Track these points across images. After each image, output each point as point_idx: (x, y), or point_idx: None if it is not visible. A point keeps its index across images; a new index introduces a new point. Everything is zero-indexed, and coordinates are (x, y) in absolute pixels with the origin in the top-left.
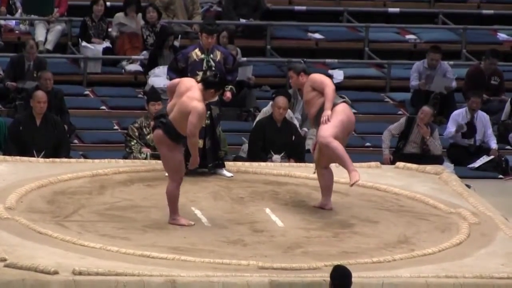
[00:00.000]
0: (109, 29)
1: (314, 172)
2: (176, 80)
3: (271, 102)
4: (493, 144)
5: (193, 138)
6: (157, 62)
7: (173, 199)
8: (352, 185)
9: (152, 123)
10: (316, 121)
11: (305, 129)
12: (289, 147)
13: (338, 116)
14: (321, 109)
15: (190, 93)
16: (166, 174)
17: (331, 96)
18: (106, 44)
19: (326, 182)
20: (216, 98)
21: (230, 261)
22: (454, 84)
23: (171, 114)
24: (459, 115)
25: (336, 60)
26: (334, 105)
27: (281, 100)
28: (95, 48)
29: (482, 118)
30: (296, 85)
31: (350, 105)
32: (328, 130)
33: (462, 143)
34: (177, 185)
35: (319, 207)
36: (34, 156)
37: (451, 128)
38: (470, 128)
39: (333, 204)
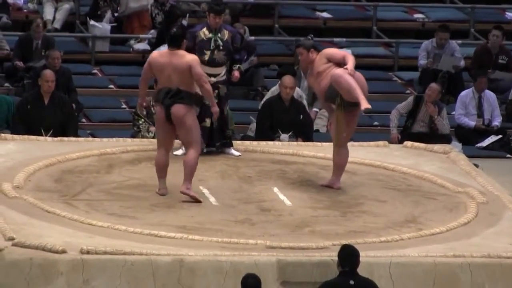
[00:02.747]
0: (118, 8)
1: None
2: (145, 66)
3: (279, 82)
4: (497, 122)
5: (206, 85)
6: (165, 41)
7: (194, 169)
8: (364, 109)
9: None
10: (327, 94)
11: (316, 109)
12: (297, 126)
13: (356, 76)
14: (332, 86)
15: (175, 56)
16: (175, 153)
17: (353, 59)
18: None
19: (340, 161)
20: (223, 77)
21: (237, 240)
22: (462, 63)
23: (174, 85)
24: (466, 96)
25: (344, 39)
26: None
27: (288, 79)
28: (103, 26)
29: (489, 97)
30: (306, 62)
31: None
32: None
33: (470, 125)
34: (198, 156)
35: (327, 186)
36: (42, 135)
37: (461, 111)
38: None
39: (341, 183)
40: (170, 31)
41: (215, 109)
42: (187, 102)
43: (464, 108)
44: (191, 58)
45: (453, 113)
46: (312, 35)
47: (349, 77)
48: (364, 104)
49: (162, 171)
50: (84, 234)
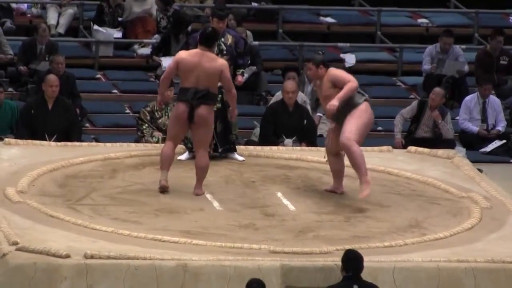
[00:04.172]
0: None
1: (325, 158)
2: (171, 65)
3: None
4: (500, 127)
5: (233, 90)
6: (169, 46)
7: (207, 170)
8: (362, 197)
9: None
10: (336, 118)
11: (320, 114)
12: (300, 131)
13: (363, 118)
14: (341, 108)
15: (206, 57)
16: (179, 158)
17: (349, 90)
18: (118, 33)
19: (337, 167)
20: None
21: (241, 245)
22: (466, 68)
23: (202, 85)
24: (471, 101)
25: (348, 44)
26: (357, 104)
27: (289, 84)
28: (107, 32)
29: (494, 102)
30: (314, 77)
31: (369, 101)
32: (353, 133)
33: (473, 130)
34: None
35: (330, 191)
36: (45, 140)
37: (465, 115)
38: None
39: (344, 188)
40: (204, 30)
41: (236, 112)
42: (211, 104)
43: (468, 113)
44: (222, 62)
45: (457, 118)
46: (323, 51)
47: (357, 150)
48: (364, 190)
49: (167, 162)
50: (88, 239)
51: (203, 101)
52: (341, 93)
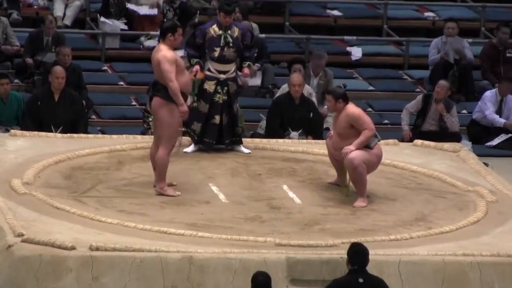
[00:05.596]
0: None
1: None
2: None
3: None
4: None
5: (170, 84)
6: None
7: (164, 167)
8: (355, 205)
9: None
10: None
11: (326, 106)
12: (307, 124)
13: (373, 159)
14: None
15: (157, 49)
16: (184, 150)
17: (366, 138)
18: (125, 25)
19: (339, 163)
20: (233, 74)
21: (247, 237)
22: (469, 54)
23: (156, 77)
24: (490, 96)
25: (354, 37)
26: (369, 147)
27: (296, 77)
28: (114, 23)
29: (510, 101)
30: (332, 110)
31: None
32: (363, 156)
33: (501, 122)
34: (169, 152)
35: (335, 184)
36: (52, 132)
37: (492, 107)
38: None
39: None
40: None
41: (182, 108)
42: (163, 96)
43: (491, 106)
44: (161, 54)
45: (464, 111)
46: (345, 84)
47: (362, 171)
48: (360, 203)
49: (153, 164)
50: (93, 231)
51: (154, 93)
52: (359, 141)
